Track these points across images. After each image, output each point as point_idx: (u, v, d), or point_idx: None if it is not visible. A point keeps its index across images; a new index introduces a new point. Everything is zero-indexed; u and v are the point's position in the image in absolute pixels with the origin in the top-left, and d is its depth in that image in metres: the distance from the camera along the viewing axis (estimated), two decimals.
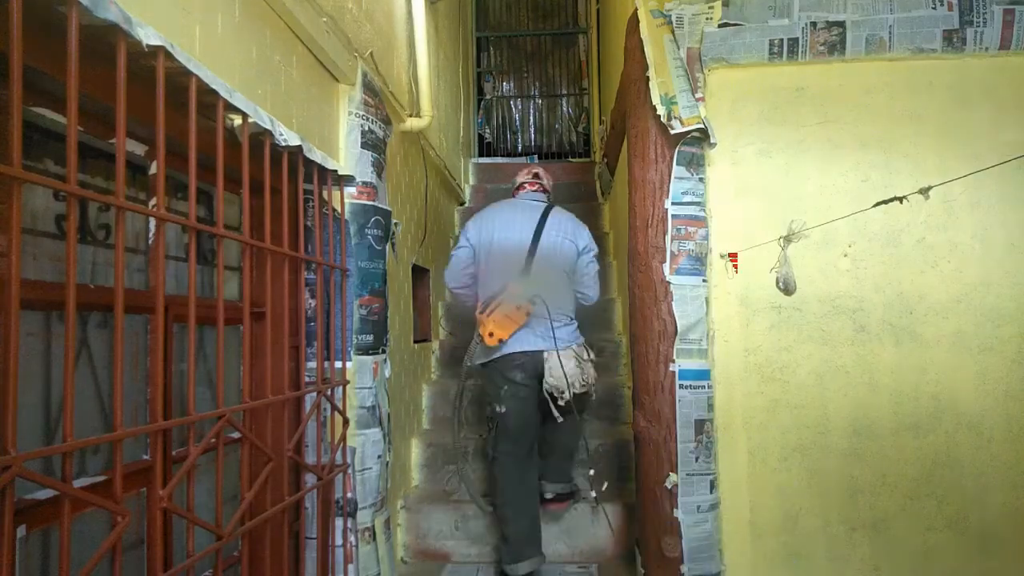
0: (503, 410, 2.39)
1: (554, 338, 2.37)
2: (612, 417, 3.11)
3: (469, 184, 4.98)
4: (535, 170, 2.69)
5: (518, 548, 2.38)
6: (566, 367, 2.36)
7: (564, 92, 6.22)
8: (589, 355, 2.51)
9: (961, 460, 2.05)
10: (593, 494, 2.48)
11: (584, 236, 2.53)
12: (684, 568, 2.01)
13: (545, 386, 2.37)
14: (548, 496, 2.60)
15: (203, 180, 1.34)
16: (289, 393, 1.68)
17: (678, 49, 2.09)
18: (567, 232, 2.49)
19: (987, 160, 1.67)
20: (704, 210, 2.09)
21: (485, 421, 2.99)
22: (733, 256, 2.11)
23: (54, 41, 0.96)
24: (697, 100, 2.04)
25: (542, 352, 2.38)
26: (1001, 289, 2.06)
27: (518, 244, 2.45)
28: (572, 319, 2.51)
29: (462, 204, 4.64)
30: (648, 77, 2.06)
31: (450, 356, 3.49)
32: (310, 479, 1.84)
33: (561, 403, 2.37)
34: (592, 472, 2.50)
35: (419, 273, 3.26)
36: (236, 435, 1.51)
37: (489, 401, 2.51)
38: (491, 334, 2.36)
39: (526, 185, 2.65)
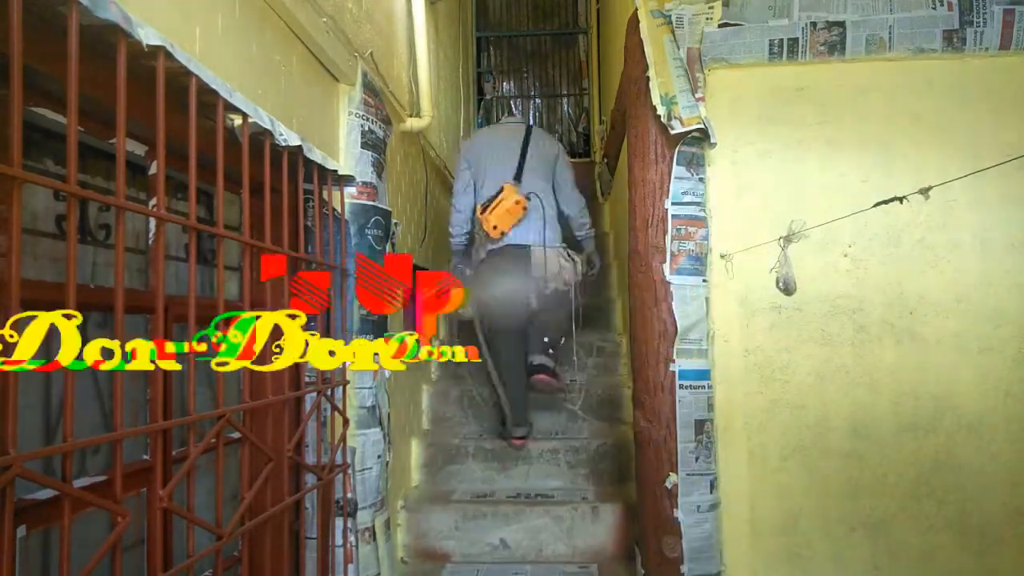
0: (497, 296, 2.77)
1: (544, 235, 2.76)
2: (612, 417, 3.11)
3: None
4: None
5: (516, 414, 2.79)
6: (549, 263, 2.76)
7: (564, 92, 6.22)
8: (571, 257, 2.86)
9: (961, 460, 2.05)
10: (591, 494, 2.48)
11: (558, 148, 3.04)
12: (684, 568, 2.01)
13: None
14: (534, 363, 2.79)
15: (203, 180, 1.34)
16: (289, 393, 1.68)
17: (678, 49, 2.09)
18: (547, 144, 3.00)
19: (987, 160, 1.67)
20: (704, 210, 2.09)
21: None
22: None
23: (54, 41, 0.96)
24: (697, 100, 2.04)
25: (530, 247, 2.77)
26: (1001, 289, 2.06)
27: (510, 154, 2.90)
28: (558, 224, 2.91)
29: None
30: (648, 77, 2.06)
31: None
32: (310, 479, 1.84)
33: (547, 292, 2.77)
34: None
35: None
36: (236, 435, 1.51)
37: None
38: (495, 227, 2.73)
39: (504, 116, 3.28)
